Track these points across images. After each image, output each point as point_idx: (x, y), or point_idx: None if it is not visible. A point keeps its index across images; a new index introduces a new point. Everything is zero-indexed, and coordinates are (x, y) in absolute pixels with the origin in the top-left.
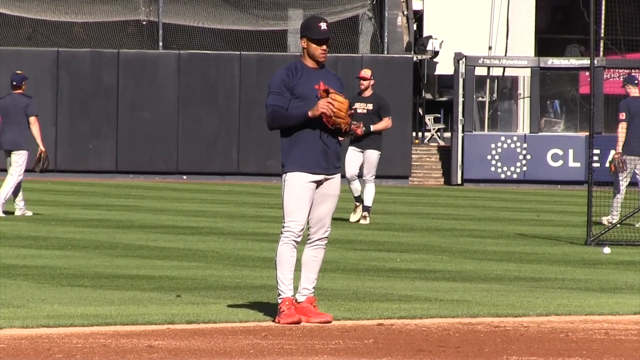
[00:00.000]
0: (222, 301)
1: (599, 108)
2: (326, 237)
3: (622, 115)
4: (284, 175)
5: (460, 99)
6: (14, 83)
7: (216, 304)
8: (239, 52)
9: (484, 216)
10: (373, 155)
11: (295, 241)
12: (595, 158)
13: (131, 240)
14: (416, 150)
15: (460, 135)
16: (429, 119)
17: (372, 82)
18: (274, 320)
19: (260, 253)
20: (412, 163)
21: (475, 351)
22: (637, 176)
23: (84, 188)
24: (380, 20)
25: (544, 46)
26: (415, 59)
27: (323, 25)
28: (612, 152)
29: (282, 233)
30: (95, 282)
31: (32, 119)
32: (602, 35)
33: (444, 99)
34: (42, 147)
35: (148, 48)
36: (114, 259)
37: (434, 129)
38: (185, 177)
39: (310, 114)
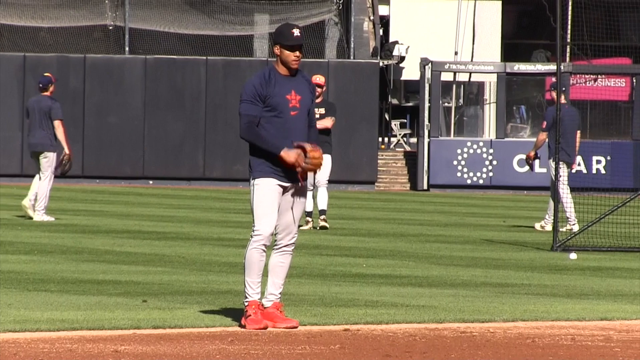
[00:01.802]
0: (188, 306)
1: None
2: (293, 243)
3: (544, 125)
4: (252, 180)
5: (427, 104)
6: (40, 85)
7: (182, 309)
8: (205, 57)
9: (450, 222)
10: (326, 159)
11: (264, 245)
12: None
13: (97, 245)
14: (382, 155)
15: (426, 140)
16: (395, 124)
17: (324, 88)
18: (240, 324)
19: (227, 258)
20: (379, 168)
21: (441, 357)
22: (557, 180)
23: (50, 193)
24: (347, 25)
25: (510, 52)
26: (381, 64)
27: (296, 32)
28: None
29: (251, 237)
30: (62, 287)
31: (57, 123)
32: (569, 40)
33: (410, 104)
34: (66, 150)
35: (114, 53)
36: (80, 264)
37: (400, 134)
38: (151, 182)
39: (282, 154)
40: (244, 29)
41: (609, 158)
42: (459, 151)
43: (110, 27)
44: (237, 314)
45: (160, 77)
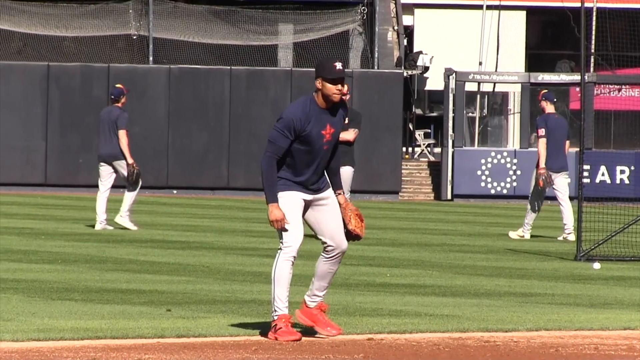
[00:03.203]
0: (212, 315)
1: (589, 124)
2: (344, 251)
3: (542, 132)
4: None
5: (451, 115)
6: (112, 97)
7: (206, 318)
8: (229, 67)
9: (474, 231)
10: (347, 171)
11: (294, 257)
12: (586, 174)
13: (121, 254)
14: (406, 165)
15: (450, 150)
16: (419, 134)
17: (348, 96)
18: (268, 337)
19: (250, 267)
20: (402, 178)
21: None
22: (556, 192)
23: (73, 202)
24: (371, 35)
25: (534, 62)
26: (405, 74)
27: (338, 65)
28: (537, 169)
29: (280, 249)
30: (86, 296)
31: (120, 132)
32: (593, 51)
33: (434, 114)
34: (129, 160)
35: (138, 62)
36: (104, 273)
37: (424, 144)
38: (175, 191)
39: (270, 206)
40: (268, 39)
41: (632, 168)
42: (482, 161)
43: (134, 37)
44: (261, 324)
45: (184, 87)
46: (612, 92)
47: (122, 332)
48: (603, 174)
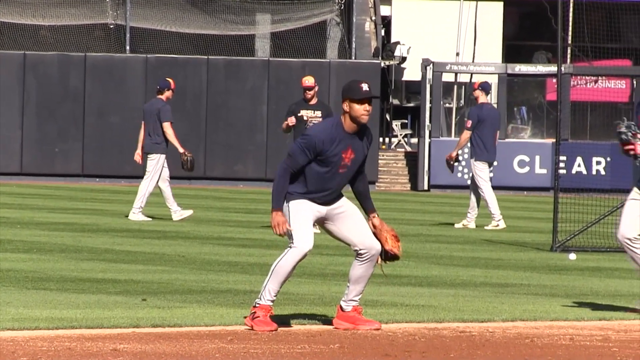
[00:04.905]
0: (187, 305)
1: (565, 115)
2: (378, 251)
3: (469, 124)
4: (287, 203)
5: (428, 105)
6: (158, 87)
7: (182, 308)
8: (206, 57)
9: (450, 222)
10: None
11: (300, 259)
12: (562, 165)
13: (97, 244)
14: (383, 155)
15: (427, 141)
16: (396, 125)
17: (316, 89)
18: (244, 324)
19: (227, 257)
20: (379, 168)
21: (440, 356)
22: (484, 182)
23: (50, 191)
24: (348, 25)
25: (511, 53)
26: (382, 64)
27: (365, 86)
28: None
29: (290, 248)
30: (61, 285)
31: (165, 125)
32: (570, 42)
33: (412, 104)
34: (180, 150)
35: (115, 52)
36: (80, 263)
37: (401, 135)
38: None
39: (273, 213)
40: (246, 29)
41: (608, 159)
42: (459, 152)
43: (111, 26)
44: (236, 313)
45: (162, 76)
46: (588, 84)
47: (97, 322)
48: (579, 165)
